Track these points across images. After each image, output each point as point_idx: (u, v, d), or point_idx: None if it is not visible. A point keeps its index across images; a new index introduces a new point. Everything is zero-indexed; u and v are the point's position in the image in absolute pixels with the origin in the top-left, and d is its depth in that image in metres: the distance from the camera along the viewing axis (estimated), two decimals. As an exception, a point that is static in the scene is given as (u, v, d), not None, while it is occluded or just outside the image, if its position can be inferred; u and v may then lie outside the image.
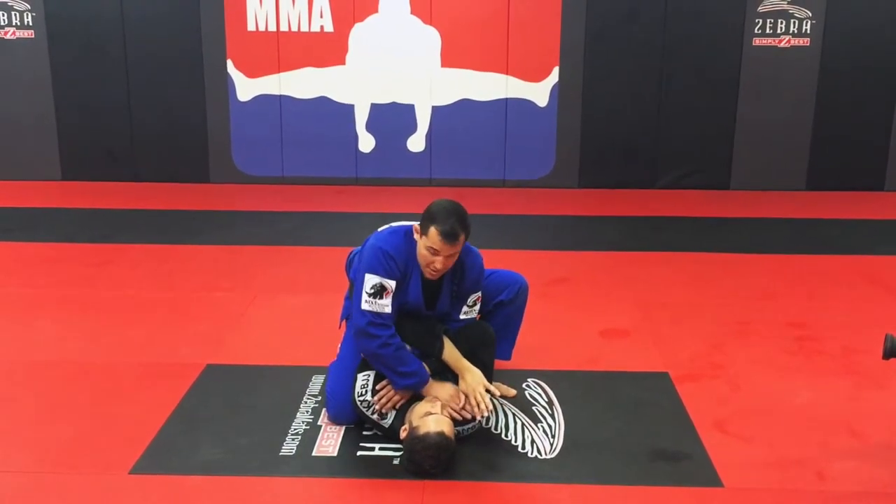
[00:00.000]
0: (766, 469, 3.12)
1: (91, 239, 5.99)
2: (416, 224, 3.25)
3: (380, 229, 3.40)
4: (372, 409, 3.23)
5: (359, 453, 3.19)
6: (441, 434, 2.99)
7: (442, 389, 3.23)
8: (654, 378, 3.86)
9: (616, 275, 5.32)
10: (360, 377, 3.28)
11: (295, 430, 3.34)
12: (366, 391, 3.24)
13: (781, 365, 4.02)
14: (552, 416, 3.45)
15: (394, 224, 3.40)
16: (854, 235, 6.27)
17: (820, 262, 5.60)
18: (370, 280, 3.19)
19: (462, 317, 3.41)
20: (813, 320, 4.56)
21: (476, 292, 3.41)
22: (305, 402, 3.56)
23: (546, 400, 3.60)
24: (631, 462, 3.16)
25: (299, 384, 3.71)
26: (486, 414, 3.20)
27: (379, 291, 3.19)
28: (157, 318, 4.53)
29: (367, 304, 3.18)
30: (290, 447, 3.22)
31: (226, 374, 3.86)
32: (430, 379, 3.24)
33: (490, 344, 3.42)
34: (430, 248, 3.15)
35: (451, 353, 3.30)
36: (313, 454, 3.18)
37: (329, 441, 3.27)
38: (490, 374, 3.38)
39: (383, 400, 3.22)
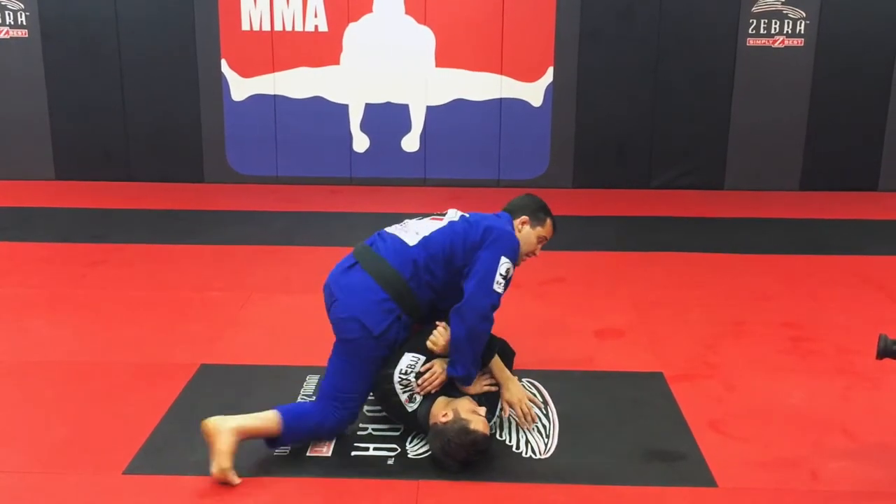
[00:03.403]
0: (760, 469, 3.13)
1: (85, 239, 5.98)
2: (522, 218, 3.44)
3: (464, 216, 3.41)
4: (408, 390, 3.22)
5: (353, 453, 3.18)
6: (486, 437, 3.06)
7: (472, 389, 3.30)
8: (649, 378, 3.86)
9: (610, 275, 5.32)
10: (409, 357, 3.24)
11: (289, 430, 3.33)
12: (411, 371, 3.23)
13: (776, 365, 4.02)
14: (547, 416, 3.46)
15: (472, 214, 3.44)
16: (848, 235, 6.28)
17: (814, 262, 5.61)
18: (506, 264, 3.21)
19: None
20: (807, 320, 4.57)
21: None
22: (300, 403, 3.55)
23: (541, 400, 3.60)
24: (625, 462, 3.16)
25: (293, 384, 3.71)
26: (534, 423, 3.34)
27: (510, 278, 3.24)
28: (152, 318, 4.52)
29: (499, 286, 3.19)
30: (283, 448, 3.21)
31: (220, 373, 3.85)
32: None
33: (510, 359, 3.49)
34: (542, 238, 3.48)
35: (496, 363, 3.36)
36: (307, 454, 3.17)
37: (323, 441, 3.26)
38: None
39: (425, 384, 3.22)
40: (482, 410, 3.14)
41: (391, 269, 3.22)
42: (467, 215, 3.41)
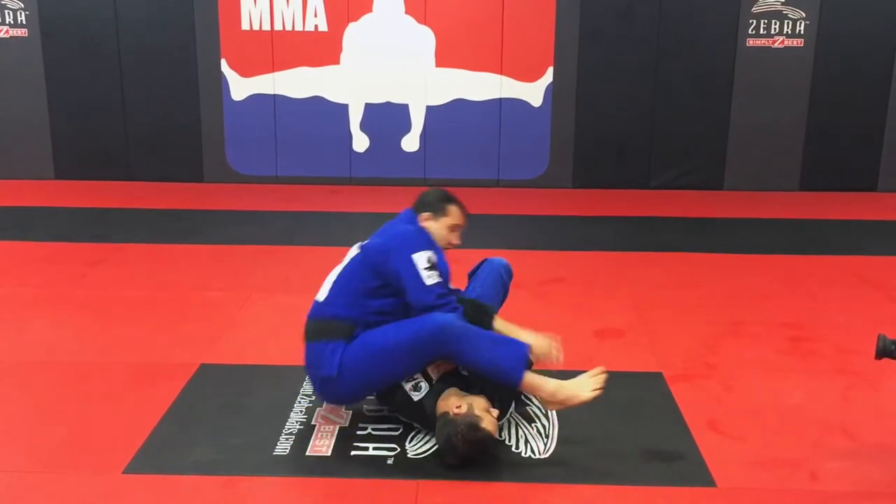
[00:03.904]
0: (759, 469, 3.13)
1: (85, 238, 5.98)
2: (425, 213, 3.42)
3: (362, 244, 3.39)
4: (413, 379, 3.21)
5: (352, 453, 3.18)
6: (493, 439, 3.07)
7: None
8: (648, 378, 3.86)
9: (610, 275, 5.33)
10: None
11: (289, 429, 3.34)
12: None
13: (775, 365, 4.03)
14: (546, 415, 3.45)
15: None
16: (847, 236, 6.29)
17: (813, 262, 5.61)
18: (422, 256, 3.20)
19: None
20: (806, 320, 4.57)
21: None
22: (299, 402, 3.56)
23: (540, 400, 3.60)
24: (624, 462, 3.16)
25: (293, 384, 3.71)
26: (560, 359, 3.32)
27: (433, 264, 3.22)
28: (151, 318, 4.52)
29: (430, 278, 3.18)
30: (283, 447, 3.22)
31: (219, 373, 3.85)
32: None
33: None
34: (453, 225, 3.43)
35: (502, 324, 3.35)
36: (307, 454, 3.17)
37: (323, 441, 3.26)
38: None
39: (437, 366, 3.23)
40: (495, 413, 3.14)
41: (314, 324, 3.26)
42: (366, 241, 3.39)
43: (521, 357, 3.13)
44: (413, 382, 3.22)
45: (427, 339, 3.09)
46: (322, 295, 3.31)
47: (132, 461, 3.12)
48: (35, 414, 3.49)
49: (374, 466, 3.11)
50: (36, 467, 3.09)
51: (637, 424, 3.43)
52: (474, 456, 3.05)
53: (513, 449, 3.23)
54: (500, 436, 3.30)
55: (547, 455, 3.20)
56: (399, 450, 3.19)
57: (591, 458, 3.18)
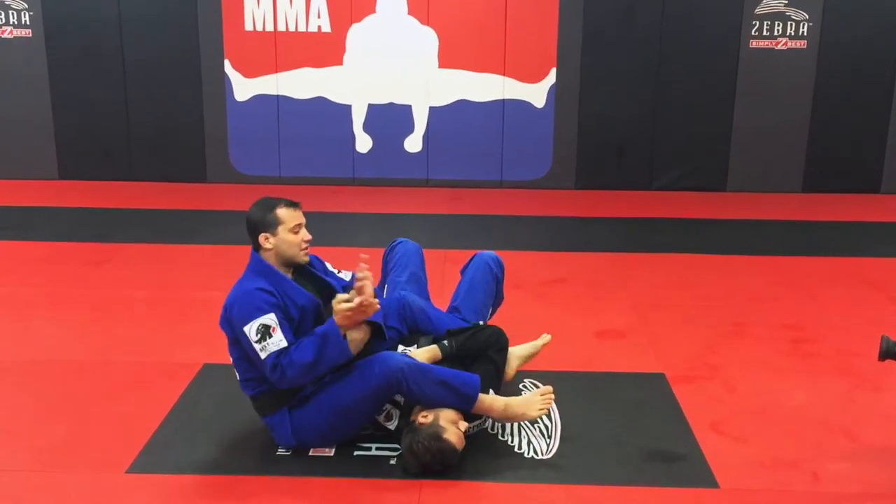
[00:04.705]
0: (761, 470, 3.13)
1: (87, 238, 5.98)
2: (261, 235, 3.14)
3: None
4: (384, 409, 3.20)
5: (355, 453, 3.19)
6: (455, 452, 3.04)
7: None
8: (650, 379, 3.86)
9: (612, 276, 5.33)
10: None
11: (291, 429, 3.34)
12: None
13: (777, 366, 4.03)
14: (548, 416, 3.46)
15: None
16: (850, 237, 6.28)
17: (815, 263, 5.61)
18: (251, 327, 2.99)
19: (344, 276, 3.40)
20: (808, 322, 4.57)
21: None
22: (302, 402, 3.56)
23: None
24: (627, 463, 3.16)
25: (296, 384, 3.71)
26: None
27: (266, 331, 2.99)
28: (154, 318, 4.53)
29: (263, 350, 2.98)
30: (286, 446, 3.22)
31: (222, 373, 3.84)
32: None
33: (503, 348, 3.44)
34: (293, 227, 3.13)
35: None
36: (310, 454, 3.18)
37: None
38: (501, 374, 3.42)
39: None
40: (464, 426, 3.11)
41: (251, 400, 3.24)
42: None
43: (473, 391, 3.15)
44: (384, 413, 3.22)
45: (384, 385, 3.07)
46: (236, 373, 3.24)
47: (135, 461, 3.13)
48: (37, 413, 3.49)
49: (377, 466, 3.11)
50: (38, 467, 3.10)
51: (639, 425, 3.44)
52: (435, 466, 3.02)
53: (515, 449, 3.23)
54: (504, 436, 3.31)
55: (549, 455, 3.20)
56: (401, 450, 3.19)
57: (593, 459, 3.19)
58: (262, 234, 3.15)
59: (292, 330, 3.07)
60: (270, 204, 3.18)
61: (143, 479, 3.02)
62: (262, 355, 2.99)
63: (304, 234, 3.18)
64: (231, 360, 3.21)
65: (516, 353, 3.54)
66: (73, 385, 3.74)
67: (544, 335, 3.59)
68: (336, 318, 3.02)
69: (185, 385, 3.72)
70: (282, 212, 3.15)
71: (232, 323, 3.07)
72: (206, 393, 3.66)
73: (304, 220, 3.20)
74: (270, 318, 3.01)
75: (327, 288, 3.28)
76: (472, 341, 3.36)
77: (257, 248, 3.19)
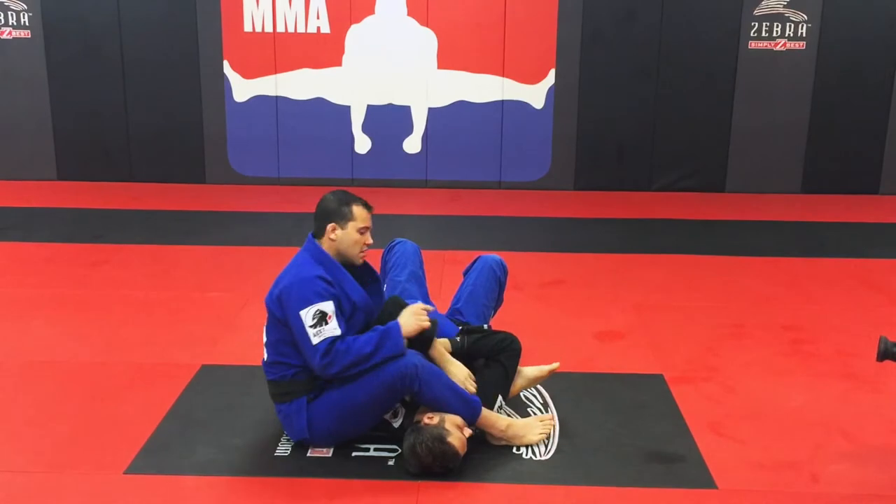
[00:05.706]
0: (759, 471, 3.13)
1: (86, 239, 5.98)
2: (330, 224, 3.19)
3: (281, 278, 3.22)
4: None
5: (354, 454, 3.19)
6: (457, 456, 3.04)
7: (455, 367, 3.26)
8: (649, 380, 3.86)
9: (611, 277, 5.33)
10: None
11: (290, 430, 3.34)
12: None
13: (776, 367, 4.03)
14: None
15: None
16: (849, 238, 6.28)
17: (815, 264, 5.61)
18: (308, 312, 3.02)
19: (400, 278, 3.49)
20: (807, 323, 4.57)
21: None
22: (300, 403, 3.56)
23: (541, 401, 3.60)
24: (625, 464, 3.16)
25: (294, 385, 3.71)
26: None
27: (323, 317, 3.03)
28: (153, 319, 4.53)
29: (317, 336, 3.01)
30: (284, 447, 3.22)
31: (221, 374, 3.85)
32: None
33: (515, 354, 3.43)
34: (362, 228, 3.21)
35: (439, 353, 3.29)
36: (308, 455, 3.18)
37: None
38: (510, 380, 3.42)
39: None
40: (468, 432, 3.12)
41: (270, 385, 3.23)
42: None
43: (478, 404, 3.19)
44: (391, 411, 3.23)
45: (398, 380, 3.07)
46: (264, 354, 3.24)
47: (133, 461, 3.13)
48: (36, 414, 3.49)
49: (376, 467, 3.11)
50: (37, 468, 3.10)
51: (638, 426, 3.44)
52: (436, 468, 3.02)
53: (514, 450, 3.23)
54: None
55: (548, 457, 3.20)
56: (400, 451, 3.19)
57: (591, 460, 3.18)
58: (332, 223, 3.20)
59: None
60: (349, 199, 3.26)
61: (141, 480, 3.02)
62: (315, 340, 3.02)
63: (368, 238, 3.26)
64: (265, 339, 3.21)
65: (524, 373, 3.52)
66: (71, 385, 3.74)
67: (554, 363, 3.57)
68: (409, 318, 3.13)
69: (183, 386, 3.71)
70: (357, 209, 3.23)
71: (285, 305, 3.09)
72: (205, 394, 3.66)
73: (371, 225, 3.27)
74: (328, 306, 3.05)
75: (372, 285, 3.35)
76: (484, 342, 3.37)
77: (319, 235, 3.23)
